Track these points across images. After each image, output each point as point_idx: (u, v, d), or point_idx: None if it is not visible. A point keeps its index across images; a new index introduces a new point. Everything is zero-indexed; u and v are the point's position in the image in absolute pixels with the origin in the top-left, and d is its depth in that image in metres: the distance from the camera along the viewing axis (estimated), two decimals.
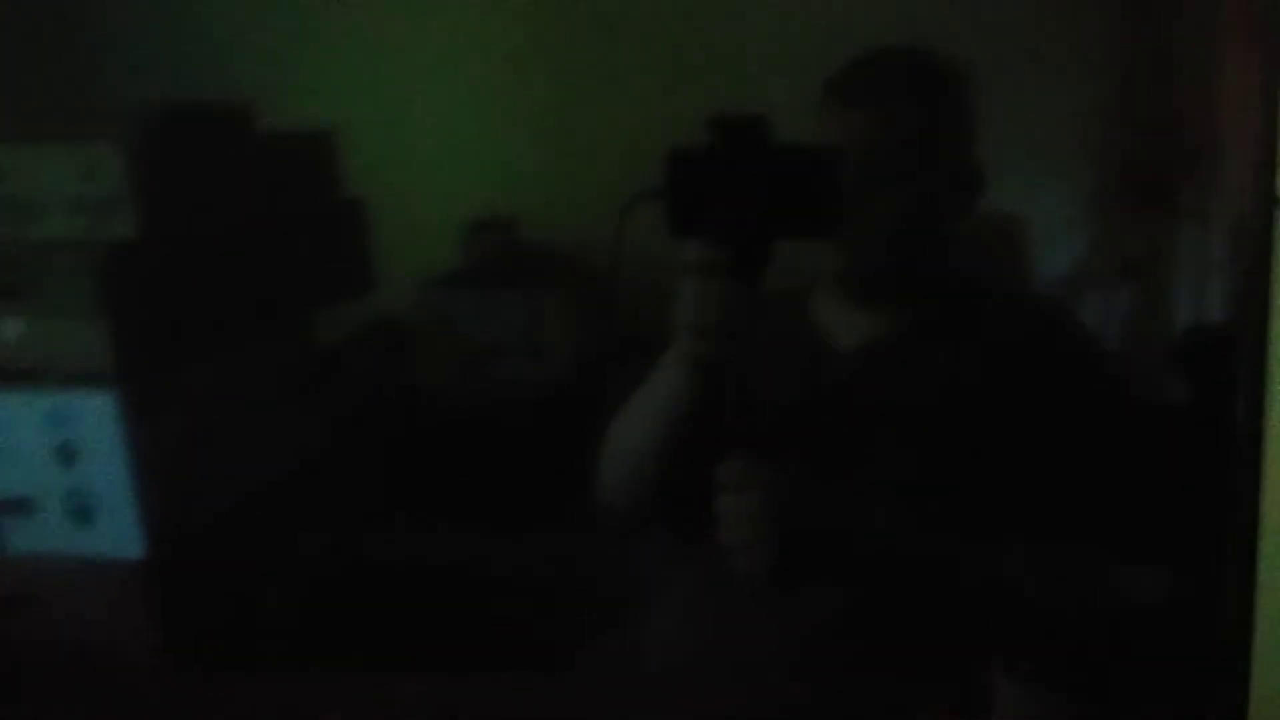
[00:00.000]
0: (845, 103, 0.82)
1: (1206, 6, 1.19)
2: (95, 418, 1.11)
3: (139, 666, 1.03)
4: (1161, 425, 0.97)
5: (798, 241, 0.73)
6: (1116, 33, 1.32)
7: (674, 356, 0.76)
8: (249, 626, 1.15)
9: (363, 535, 1.33)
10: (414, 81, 1.96)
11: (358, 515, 1.35)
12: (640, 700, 0.75)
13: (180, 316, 1.21)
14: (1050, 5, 1.26)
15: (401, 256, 1.71)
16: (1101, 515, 0.81)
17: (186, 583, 1.15)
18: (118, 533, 1.13)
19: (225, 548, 1.22)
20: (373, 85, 1.90)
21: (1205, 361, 1.06)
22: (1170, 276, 1.43)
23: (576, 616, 1.03)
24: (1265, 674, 0.55)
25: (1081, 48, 1.30)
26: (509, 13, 1.94)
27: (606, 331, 0.94)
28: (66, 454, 1.12)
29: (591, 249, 1.88)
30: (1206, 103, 1.28)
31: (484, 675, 0.76)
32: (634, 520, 0.87)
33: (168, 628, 1.11)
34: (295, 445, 1.36)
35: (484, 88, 1.95)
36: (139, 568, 1.12)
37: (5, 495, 1.15)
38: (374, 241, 1.61)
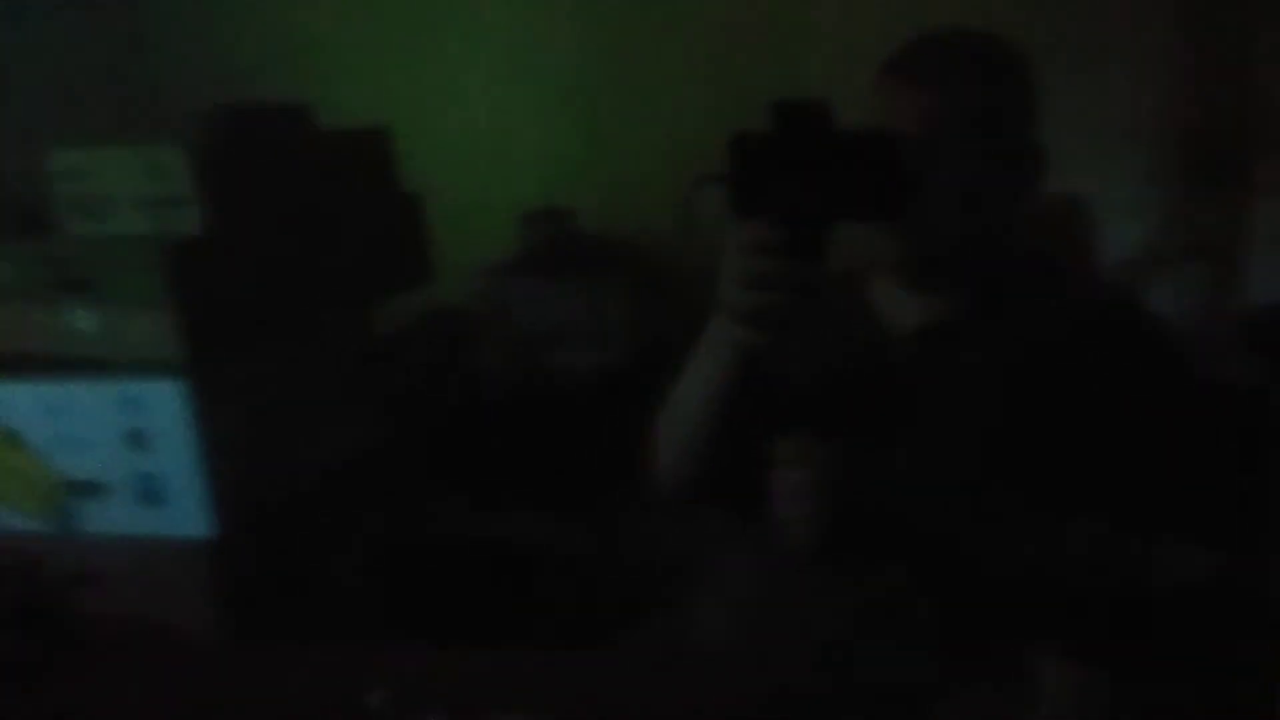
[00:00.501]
0: (908, 81, 0.80)
1: None
2: (164, 404, 1.14)
3: (204, 641, 1.06)
4: (1229, 407, 0.94)
5: (860, 225, 0.73)
6: (1185, 11, 1.28)
7: (724, 334, 0.76)
8: (310, 603, 1.18)
9: (423, 516, 1.35)
10: (470, 77, 1.99)
11: (418, 497, 1.37)
12: (690, 677, 0.76)
13: (244, 307, 1.24)
14: None
15: (460, 247, 1.73)
16: (1160, 497, 0.79)
17: (251, 562, 1.18)
18: (185, 514, 1.16)
19: (288, 529, 1.25)
20: (429, 82, 1.93)
21: (1274, 341, 1.03)
22: (1239, 255, 1.38)
23: (629, 594, 1.03)
24: None
25: (1149, 26, 1.26)
26: (565, 5, 1.95)
27: (668, 314, 0.94)
28: (137, 439, 1.16)
29: (649, 236, 1.89)
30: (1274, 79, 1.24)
31: (539, 650, 0.77)
32: (690, 495, 0.87)
33: (232, 604, 1.14)
34: (357, 431, 1.39)
35: (539, 80, 1.97)
36: (205, 548, 1.16)
37: (78, 478, 1.19)
38: (433, 233, 1.63)
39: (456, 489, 1.35)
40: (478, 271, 1.79)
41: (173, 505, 1.16)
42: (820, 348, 0.83)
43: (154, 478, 1.17)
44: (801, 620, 0.82)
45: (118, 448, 1.16)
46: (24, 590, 0.91)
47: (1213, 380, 0.97)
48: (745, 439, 0.79)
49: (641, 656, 0.83)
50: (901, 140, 0.69)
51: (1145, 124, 1.44)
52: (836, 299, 0.87)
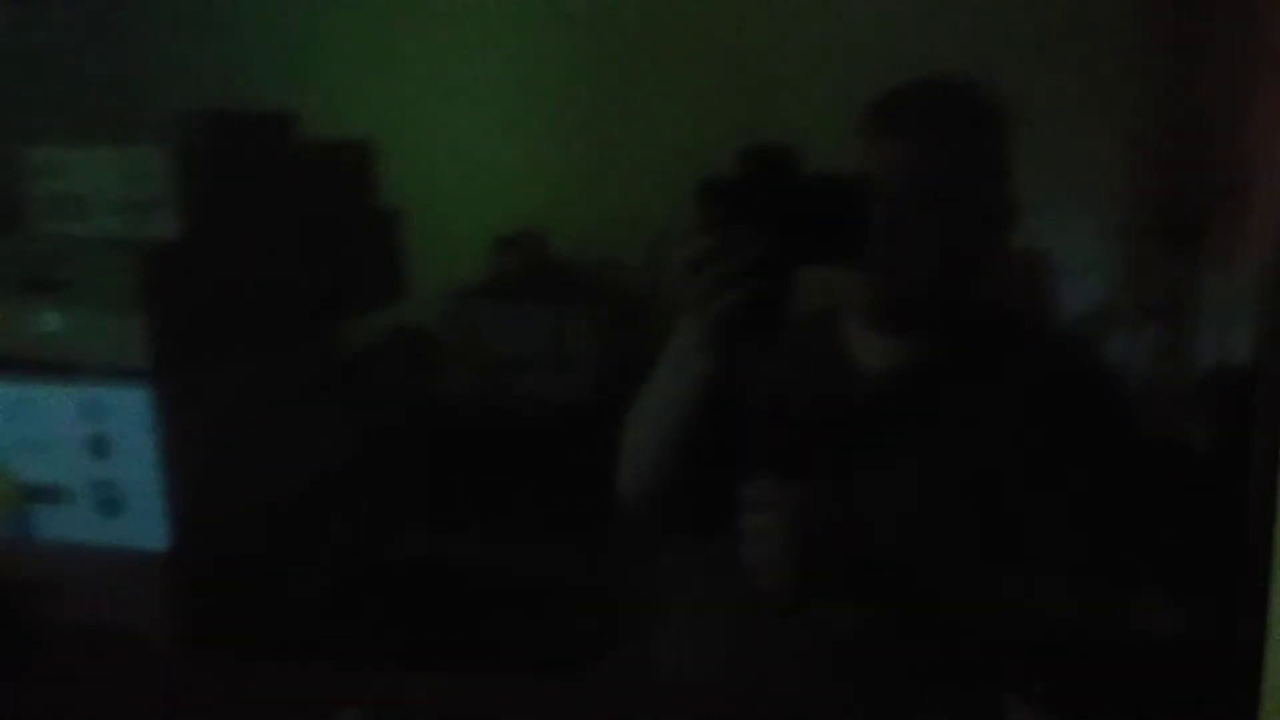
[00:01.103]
0: (883, 131, 0.83)
1: (1237, 54, 1.20)
2: (128, 411, 1.13)
3: (160, 653, 1.04)
4: (1180, 460, 0.97)
5: (824, 267, 0.75)
6: (1150, 76, 1.32)
7: (689, 341, 0.77)
8: (268, 618, 1.17)
9: (383, 535, 1.34)
10: (450, 96, 1.99)
11: (379, 516, 1.37)
12: (653, 707, 0.76)
13: (214, 316, 1.23)
14: (1085, 48, 1.27)
15: (432, 267, 1.73)
16: (1118, 546, 0.81)
17: (209, 574, 1.17)
18: (143, 524, 1.15)
19: (247, 542, 1.23)
20: (410, 98, 1.93)
21: (1225, 400, 1.06)
22: (1194, 317, 1.42)
23: (594, 622, 1.03)
24: (1276, 706, 0.55)
25: (1116, 89, 1.31)
26: (545, 33, 1.97)
27: (634, 346, 0.96)
28: (98, 445, 1.14)
29: (617, 266, 1.90)
30: (1237, 146, 1.28)
31: (499, 676, 0.77)
32: (653, 513, 0.88)
33: (189, 617, 1.13)
34: (320, 446, 1.38)
35: (519, 105, 1.98)
36: (164, 558, 1.14)
37: (37, 483, 1.17)
38: (406, 251, 1.63)
39: (418, 509, 1.34)
40: (448, 293, 1.79)
41: (132, 515, 1.14)
42: (785, 378, 0.85)
43: (114, 485, 1.15)
44: (770, 659, 0.83)
45: (79, 453, 1.15)
46: None
47: (1165, 437, 1.01)
48: (708, 461, 0.81)
49: (609, 685, 0.84)
50: (866, 184, 0.71)
51: (1108, 185, 1.49)
52: (805, 337, 0.89)
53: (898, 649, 0.80)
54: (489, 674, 0.79)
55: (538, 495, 1.27)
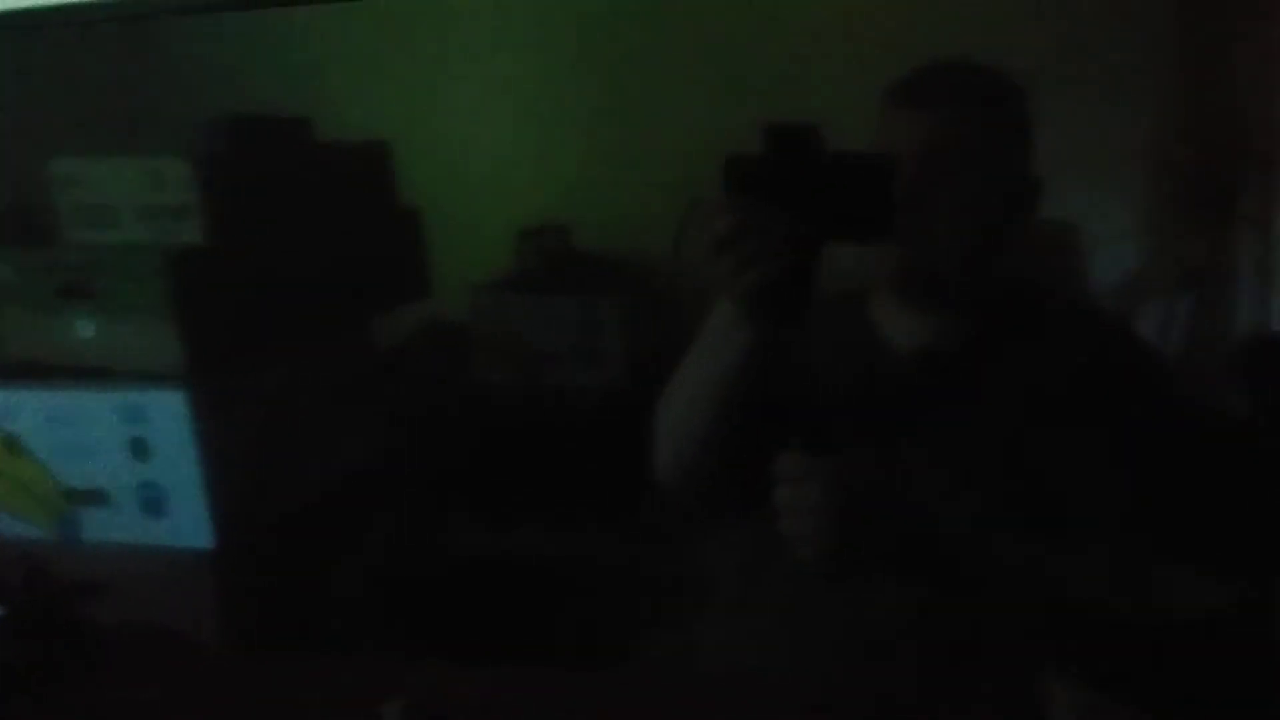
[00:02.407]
0: (909, 107, 0.83)
1: (1268, 14, 1.17)
2: (166, 414, 1.15)
3: (206, 651, 1.06)
4: (1223, 434, 0.96)
5: (852, 244, 0.75)
6: (1176, 42, 1.30)
7: (726, 320, 0.77)
8: (312, 616, 1.18)
9: (424, 529, 1.35)
10: (467, 94, 2.00)
11: (418, 511, 1.38)
12: (701, 695, 0.77)
13: (246, 318, 1.25)
14: (1109, 18, 1.25)
15: (457, 263, 1.74)
16: (1159, 523, 0.81)
17: (253, 572, 1.18)
18: (187, 524, 1.16)
19: (289, 540, 1.25)
20: (427, 99, 1.94)
21: (1266, 371, 1.05)
22: (1231, 285, 1.40)
23: (633, 613, 1.04)
24: None
25: (1141, 58, 1.29)
26: (560, 23, 1.97)
27: (663, 334, 0.96)
28: (139, 448, 1.16)
29: (645, 255, 1.91)
30: (1270, 108, 1.26)
31: (542, 666, 0.78)
32: (691, 492, 0.88)
33: (234, 615, 1.14)
34: (356, 443, 1.39)
35: (536, 99, 1.98)
36: (207, 558, 1.16)
37: (81, 487, 1.19)
38: (431, 247, 1.64)
39: (458, 503, 1.35)
40: (475, 287, 1.80)
41: (175, 515, 1.16)
42: (819, 357, 0.85)
43: (156, 487, 1.17)
44: (811, 636, 0.83)
45: (120, 457, 1.17)
46: (29, 598, 0.91)
47: (1205, 407, 0.99)
48: (745, 438, 0.81)
49: (653, 673, 0.84)
50: (890, 162, 0.71)
51: (1137, 154, 1.47)
52: (837, 316, 0.89)
53: (935, 626, 0.80)
54: (531, 664, 0.80)
55: (574, 484, 1.28)
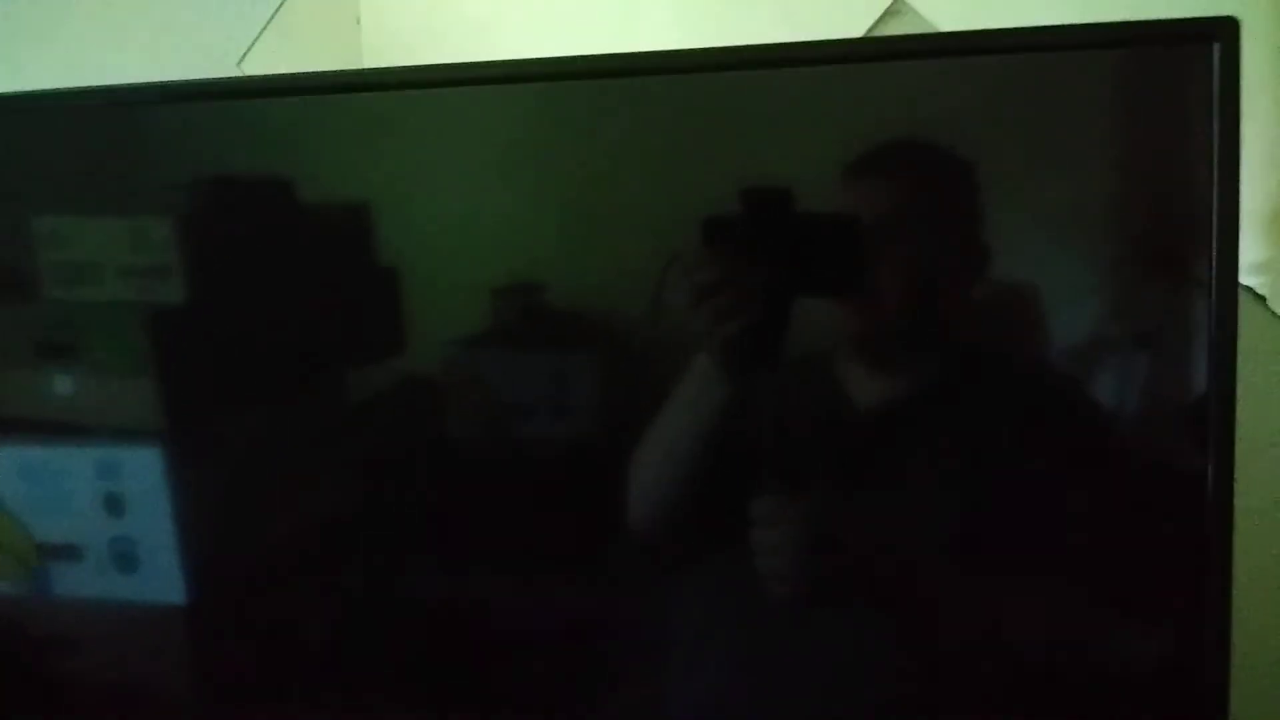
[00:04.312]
0: (866, 179, 0.88)
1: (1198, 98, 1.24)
2: (141, 470, 1.16)
3: (178, 706, 1.05)
4: (1169, 487, 0.99)
5: (822, 298, 0.80)
6: (1117, 121, 1.36)
7: (701, 371, 0.82)
8: (284, 669, 1.18)
9: (395, 584, 1.35)
10: (443, 159, 2.04)
11: (390, 564, 1.38)
12: None
13: (223, 376, 1.26)
14: (1054, 98, 1.31)
15: (432, 319, 1.77)
16: (1103, 576, 0.84)
17: (224, 627, 1.18)
18: (159, 579, 1.17)
19: (261, 594, 1.25)
20: (406, 162, 1.98)
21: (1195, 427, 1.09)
22: (1184, 346, 1.45)
23: (603, 663, 1.05)
24: None
25: (1085, 134, 1.34)
26: (532, 92, 2.02)
27: (635, 391, 0.99)
28: (113, 504, 1.17)
29: (617, 313, 1.94)
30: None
31: (515, 717, 0.79)
32: (667, 546, 0.92)
33: (205, 669, 1.14)
34: (330, 497, 1.40)
35: (510, 163, 2.02)
36: (180, 613, 1.16)
37: (54, 541, 1.19)
38: (406, 305, 1.66)
39: (430, 555, 1.36)
40: (450, 342, 1.82)
41: (147, 570, 1.17)
42: (788, 409, 0.89)
43: (129, 542, 1.17)
44: (778, 680, 0.86)
45: (94, 512, 1.17)
46: None
47: (1154, 462, 1.03)
48: (719, 485, 0.85)
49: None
50: (856, 221, 0.76)
51: (1088, 221, 1.52)
52: (806, 374, 0.93)
53: (900, 665, 0.83)
54: (502, 715, 0.81)
55: (545, 535, 1.29)
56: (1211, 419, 0.77)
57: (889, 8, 1.44)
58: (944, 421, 0.89)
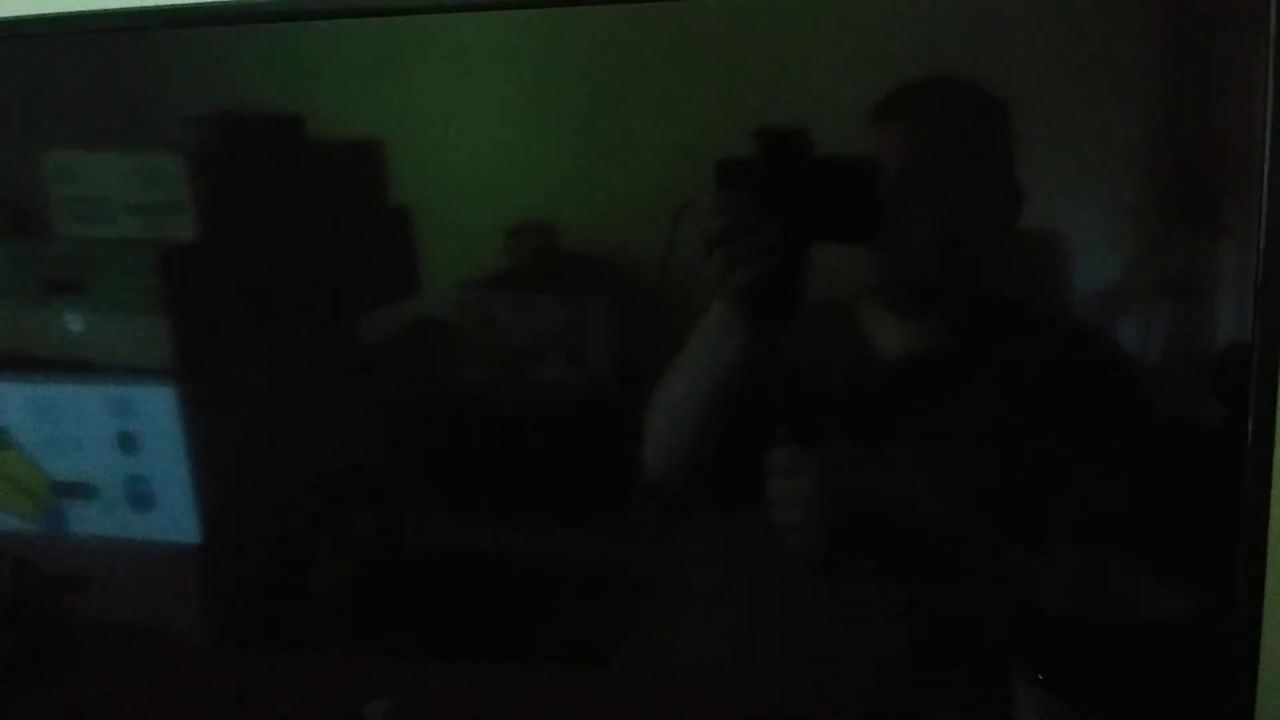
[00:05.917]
0: (893, 120, 0.85)
1: (1248, 27, 1.19)
2: (154, 409, 1.15)
3: (191, 645, 1.06)
4: (1194, 443, 0.97)
5: (839, 244, 0.78)
6: (1156, 54, 1.32)
7: (718, 319, 0.80)
8: (298, 613, 1.19)
9: (407, 526, 1.36)
10: (458, 95, 2.00)
11: (403, 507, 1.39)
12: (686, 694, 0.78)
13: (235, 314, 1.25)
14: (1089, 31, 1.27)
15: (445, 261, 1.75)
16: (1129, 529, 0.83)
17: (239, 568, 1.19)
18: (174, 519, 1.17)
19: (275, 536, 1.25)
20: (418, 99, 1.94)
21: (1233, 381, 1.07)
22: (1208, 295, 1.42)
23: (617, 611, 1.05)
24: (1272, 692, 0.56)
25: (1122, 70, 1.30)
26: (550, 26, 1.97)
27: (649, 335, 0.98)
28: (127, 442, 1.17)
29: (631, 255, 1.92)
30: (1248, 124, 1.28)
31: (525, 665, 0.79)
32: (682, 495, 0.91)
33: (219, 611, 1.15)
34: (343, 438, 1.40)
35: (524, 99, 1.98)
36: (194, 552, 1.17)
37: (68, 480, 1.20)
38: (419, 245, 1.64)
39: (443, 500, 1.36)
40: (462, 285, 1.81)
41: (162, 509, 1.17)
42: (809, 358, 0.88)
43: (143, 481, 1.17)
44: (789, 640, 0.85)
45: (107, 450, 1.17)
46: (11, 592, 0.92)
47: (1178, 418, 1.01)
48: (737, 433, 0.84)
49: (637, 671, 0.85)
50: (874, 165, 0.73)
51: (1118, 165, 1.48)
52: (828, 321, 0.91)
53: (907, 628, 0.82)
54: (515, 663, 0.81)
55: (558, 482, 1.29)
56: (1255, 370, 0.74)
57: None
58: (975, 372, 0.87)
